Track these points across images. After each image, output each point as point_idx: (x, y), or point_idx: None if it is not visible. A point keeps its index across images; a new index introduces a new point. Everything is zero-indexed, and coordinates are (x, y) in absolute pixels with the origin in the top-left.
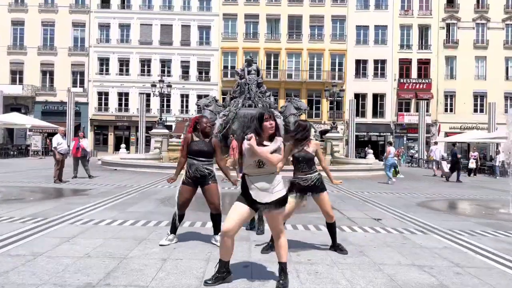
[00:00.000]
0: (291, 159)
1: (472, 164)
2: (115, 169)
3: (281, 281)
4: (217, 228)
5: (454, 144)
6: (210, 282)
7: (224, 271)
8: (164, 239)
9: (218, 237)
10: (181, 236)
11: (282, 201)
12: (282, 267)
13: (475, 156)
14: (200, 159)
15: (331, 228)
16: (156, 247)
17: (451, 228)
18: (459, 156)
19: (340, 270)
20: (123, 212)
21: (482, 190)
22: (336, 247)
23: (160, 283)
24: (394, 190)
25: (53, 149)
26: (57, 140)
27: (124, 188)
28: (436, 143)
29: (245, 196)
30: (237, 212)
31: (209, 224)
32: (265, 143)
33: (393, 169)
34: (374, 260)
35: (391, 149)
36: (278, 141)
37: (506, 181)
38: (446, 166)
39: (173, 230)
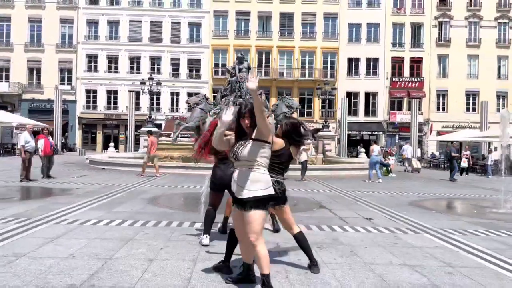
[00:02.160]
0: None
1: (464, 163)
2: (103, 168)
3: (251, 277)
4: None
5: (452, 142)
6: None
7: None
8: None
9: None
10: (170, 236)
11: (259, 202)
12: (263, 279)
13: (467, 155)
14: None
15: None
16: (142, 247)
17: (443, 227)
18: (453, 154)
19: (331, 270)
20: (109, 212)
21: (474, 190)
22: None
23: (145, 284)
24: (386, 189)
25: (20, 147)
26: (24, 138)
27: (111, 187)
28: (407, 142)
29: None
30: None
31: (198, 224)
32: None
33: (378, 167)
34: (365, 260)
35: (374, 148)
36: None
37: (498, 180)
38: (416, 163)
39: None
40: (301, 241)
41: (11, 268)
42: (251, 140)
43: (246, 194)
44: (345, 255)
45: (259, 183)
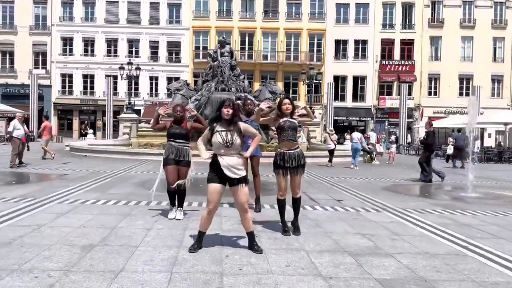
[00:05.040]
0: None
1: (450, 150)
2: (85, 156)
3: (256, 247)
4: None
5: (459, 130)
6: (192, 248)
7: (201, 240)
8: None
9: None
10: (161, 212)
11: (245, 179)
12: (252, 235)
13: (453, 142)
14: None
15: (296, 203)
16: (139, 220)
17: (405, 207)
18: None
19: (295, 237)
20: (104, 193)
21: (454, 176)
22: (294, 226)
23: (147, 243)
24: (364, 176)
25: (7, 133)
26: (13, 125)
27: (99, 173)
28: (372, 129)
29: (217, 175)
30: (215, 192)
31: (185, 203)
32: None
33: (357, 154)
34: (325, 230)
35: (352, 135)
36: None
37: (483, 167)
38: (379, 148)
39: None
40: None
41: (38, 233)
42: (235, 132)
43: (241, 173)
44: (310, 227)
45: (243, 166)
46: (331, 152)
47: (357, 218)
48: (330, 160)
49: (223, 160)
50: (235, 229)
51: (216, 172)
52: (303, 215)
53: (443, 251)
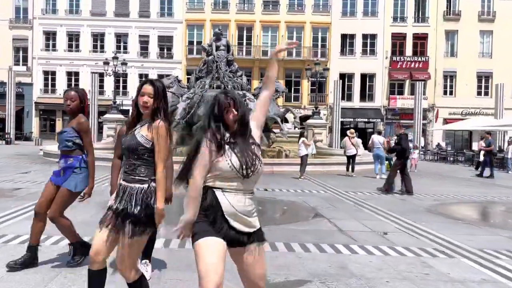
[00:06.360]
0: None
1: (482, 156)
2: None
3: None
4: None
5: (489, 133)
6: None
7: None
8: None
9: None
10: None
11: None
12: None
13: (485, 147)
14: None
15: None
16: None
17: (481, 247)
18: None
19: None
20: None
21: (496, 189)
22: None
23: None
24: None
25: None
26: None
27: None
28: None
29: (213, 226)
30: (216, 255)
31: (158, 240)
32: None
33: (385, 162)
34: None
35: (373, 139)
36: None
37: None
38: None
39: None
40: None
41: None
42: (253, 146)
43: (257, 223)
44: None
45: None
46: (352, 158)
47: (427, 274)
48: (350, 169)
49: (228, 203)
50: None
51: (213, 218)
52: (341, 267)
53: None
